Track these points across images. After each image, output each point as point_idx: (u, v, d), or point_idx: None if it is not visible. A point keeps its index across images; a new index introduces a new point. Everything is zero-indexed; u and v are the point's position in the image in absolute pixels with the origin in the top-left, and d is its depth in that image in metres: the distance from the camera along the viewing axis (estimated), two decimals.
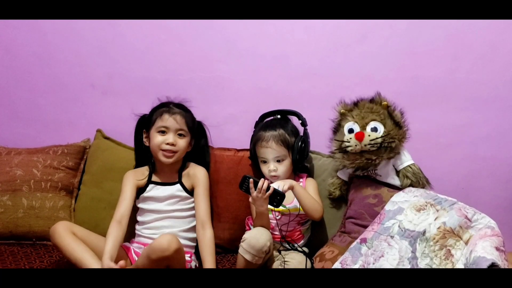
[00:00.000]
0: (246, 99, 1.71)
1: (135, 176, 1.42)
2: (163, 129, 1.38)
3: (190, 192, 1.43)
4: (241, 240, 1.26)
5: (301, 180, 1.47)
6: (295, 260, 1.29)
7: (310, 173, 1.54)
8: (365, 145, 1.30)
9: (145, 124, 1.44)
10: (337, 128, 1.42)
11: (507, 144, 1.65)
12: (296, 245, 1.39)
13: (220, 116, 1.73)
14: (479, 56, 1.61)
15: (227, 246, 1.53)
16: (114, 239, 1.26)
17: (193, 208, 1.43)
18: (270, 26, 1.65)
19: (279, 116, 1.52)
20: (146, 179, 1.43)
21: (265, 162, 1.42)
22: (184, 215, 1.41)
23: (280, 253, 1.35)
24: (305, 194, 1.35)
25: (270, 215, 1.37)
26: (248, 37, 1.68)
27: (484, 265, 0.97)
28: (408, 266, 1.11)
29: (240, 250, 1.24)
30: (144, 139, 1.44)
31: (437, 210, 1.17)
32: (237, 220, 1.52)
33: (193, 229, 1.41)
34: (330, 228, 1.49)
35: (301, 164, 1.45)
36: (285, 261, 1.28)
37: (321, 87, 1.67)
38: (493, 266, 0.97)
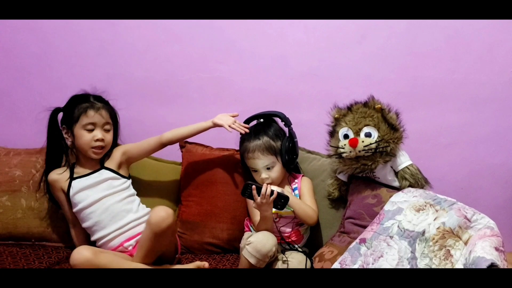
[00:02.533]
0: (245, 99, 1.71)
1: (60, 175, 1.38)
2: (90, 126, 1.34)
3: (118, 173, 1.41)
4: (246, 242, 1.25)
5: (296, 181, 1.47)
6: (295, 259, 1.29)
7: (304, 174, 1.53)
8: (360, 151, 1.30)
9: (64, 120, 1.38)
10: (333, 133, 1.42)
11: (506, 144, 1.65)
12: (296, 246, 1.38)
13: None
14: (478, 57, 1.62)
15: (225, 246, 1.53)
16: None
17: (127, 189, 1.41)
18: (269, 27, 1.66)
19: (262, 120, 1.49)
20: (68, 178, 1.38)
21: (256, 171, 1.41)
22: (124, 196, 1.39)
23: (282, 253, 1.35)
24: (296, 201, 1.36)
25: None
26: (248, 37, 1.68)
27: (484, 265, 0.97)
28: (408, 266, 1.11)
29: (245, 253, 1.23)
30: (65, 136, 1.38)
31: (437, 210, 1.17)
32: (235, 221, 1.52)
33: (141, 209, 1.41)
34: (329, 228, 1.48)
35: (292, 164, 1.43)
36: (285, 261, 1.28)
37: (320, 87, 1.68)
38: (492, 266, 0.97)
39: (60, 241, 1.53)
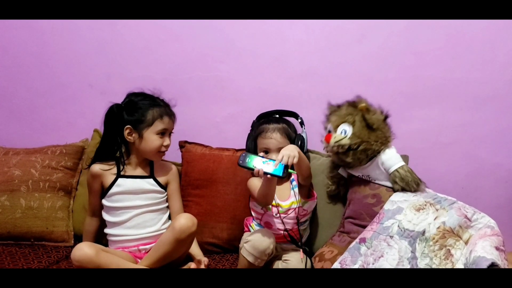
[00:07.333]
0: (245, 99, 1.71)
1: (104, 171, 1.37)
2: (163, 131, 1.36)
3: (163, 186, 1.43)
4: (244, 241, 1.25)
5: (292, 177, 1.46)
6: (294, 259, 1.29)
7: None
8: (332, 147, 1.33)
9: (130, 120, 1.34)
10: (325, 128, 1.46)
11: (506, 143, 1.65)
12: (299, 243, 1.37)
13: (219, 116, 1.73)
14: (478, 56, 1.61)
15: (225, 246, 1.52)
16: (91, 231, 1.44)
17: (165, 201, 1.44)
18: (269, 26, 1.65)
19: (277, 116, 1.52)
20: (116, 173, 1.37)
21: (266, 152, 1.41)
22: (161, 207, 1.41)
23: (284, 252, 1.35)
24: (304, 158, 1.36)
25: (271, 213, 1.37)
26: (247, 37, 1.68)
27: (484, 265, 0.97)
28: (408, 266, 1.10)
29: (243, 252, 1.23)
30: (129, 136, 1.35)
31: (437, 210, 1.17)
32: (235, 220, 1.52)
33: (168, 221, 1.42)
34: (329, 228, 1.48)
35: None
36: (284, 260, 1.28)
37: (320, 87, 1.67)
38: (493, 266, 0.97)
39: (59, 240, 1.53)
